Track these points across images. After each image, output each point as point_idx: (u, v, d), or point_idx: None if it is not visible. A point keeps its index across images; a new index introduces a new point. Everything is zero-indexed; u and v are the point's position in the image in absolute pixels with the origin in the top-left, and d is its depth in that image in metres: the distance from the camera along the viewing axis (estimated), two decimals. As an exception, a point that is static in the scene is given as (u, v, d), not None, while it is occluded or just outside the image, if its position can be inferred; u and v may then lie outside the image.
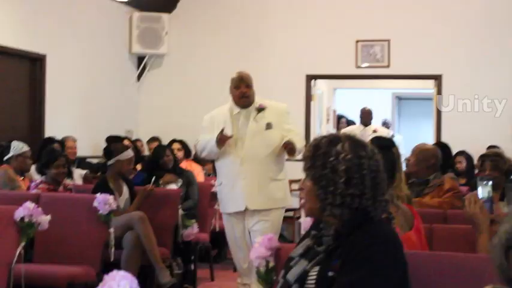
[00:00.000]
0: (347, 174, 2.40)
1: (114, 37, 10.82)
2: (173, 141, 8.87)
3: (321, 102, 12.53)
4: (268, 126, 5.61)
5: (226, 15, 11.21)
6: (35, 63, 9.04)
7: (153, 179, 6.70)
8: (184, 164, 8.44)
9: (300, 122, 10.78)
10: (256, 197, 5.54)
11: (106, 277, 1.96)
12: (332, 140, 2.47)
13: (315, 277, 2.40)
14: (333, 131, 12.92)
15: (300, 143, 5.56)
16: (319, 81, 11.62)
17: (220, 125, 5.56)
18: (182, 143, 8.88)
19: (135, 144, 8.67)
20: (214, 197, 7.19)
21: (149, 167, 7.65)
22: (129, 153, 6.53)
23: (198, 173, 8.50)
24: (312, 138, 11.05)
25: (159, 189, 6.82)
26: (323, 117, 13.02)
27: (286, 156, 5.70)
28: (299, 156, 5.45)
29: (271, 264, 2.98)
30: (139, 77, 11.43)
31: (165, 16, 11.19)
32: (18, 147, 6.91)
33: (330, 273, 2.35)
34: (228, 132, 5.50)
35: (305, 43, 10.90)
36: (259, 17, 11.08)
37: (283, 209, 5.74)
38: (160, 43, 11.19)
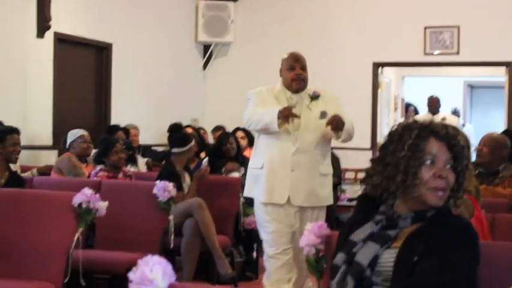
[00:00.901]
0: None
1: (180, 26, 10.86)
2: (237, 129, 8.84)
3: (388, 91, 12.31)
4: (323, 115, 4.95)
5: (292, 3, 11.10)
6: (101, 52, 9.14)
7: (204, 160, 6.55)
8: (248, 153, 8.37)
9: (367, 110, 10.64)
10: (302, 192, 4.95)
11: (140, 262, 1.92)
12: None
13: (391, 261, 2.34)
14: (400, 119, 12.71)
15: (350, 125, 4.87)
16: (386, 68, 11.42)
17: (273, 106, 4.92)
18: (246, 131, 8.83)
19: (198, 132, 8.66)
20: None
21: (212, 154, 7.63)
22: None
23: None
24: (378, 126, 10.87)
25: (220, 177, 6.80)
26: (391, 106, 12.80)
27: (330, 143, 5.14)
28: (350, 144, 5.16)
29: (321, 252, 2.90)
30: (205, 65, 11.45)
31: (230, 4, 11.16)
32: (73, 133, 7.01)
33: (415, 258, 2.31)
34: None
35: (372, 30, 10.71)
36: (326, 4, 10.94)
37: (325, 208, 5.15)
38: (226, 31, 11.18)
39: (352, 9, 10.82)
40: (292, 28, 11.03)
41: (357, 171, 10.53)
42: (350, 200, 9.64)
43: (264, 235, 5.08)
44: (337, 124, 4.77)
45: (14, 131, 5.80)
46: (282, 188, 4.96)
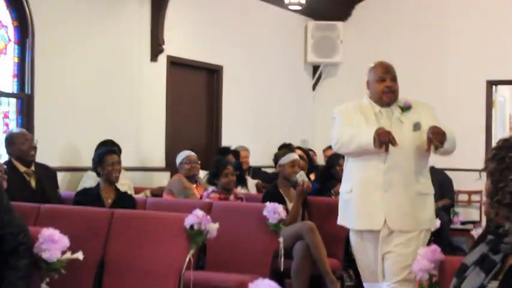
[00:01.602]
0: None
1: (289, 47, 10.91)
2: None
3: (503, 110, 11.96)
4: (416, 126, 4.49)
5: (400, 21, 10.97)
6: (212, 74, 9.29)
7: (300, 174, 6.28)
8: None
9: (481, 130, 10.35)
10: (400, 215, 4.46)
11: (250, 284, 1.92)
12: None
13: None
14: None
15: (450, 134, 4.33)
16: (501, 87, 11.09)
17: (360, 124, 4.52)
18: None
19: (307, 153, 8.64)
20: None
21: (322, 177, 7.60)
22: (291, 156, 6.48)
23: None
24: (493, 147, 10.55)
25: (330, 199, 6.75)
26: (506, 125, 12.43)
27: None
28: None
29: (435, 278, 2.82)
30: (314, 86, 11.45)
31: (340, 24, 11.13)
32: (181, 155, 7.21)
33: None
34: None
35: (486, 46, 10.43)
36: (436, 20, 10.74)
37: (428, 231, 4.64)
38: (336, 52, 11.15)
39: (464, 24, 10.57)
40: (401, 47, 10.89)
41: (470, 193, 10.27)
42: (463, 223, 9.40)
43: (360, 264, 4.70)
44: (438, 138, 4.23)
45: (112, 151, 6.01)
46: (376, 212, 4.48)
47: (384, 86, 4.54)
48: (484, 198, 2.36)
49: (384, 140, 4.24)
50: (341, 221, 4.76)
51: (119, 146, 6.99)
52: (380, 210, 4.47)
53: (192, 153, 7.30)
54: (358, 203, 4.55)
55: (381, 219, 4.47)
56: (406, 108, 4.56)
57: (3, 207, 3.87)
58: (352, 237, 4.69)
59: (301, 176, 6.19)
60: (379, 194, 4.47)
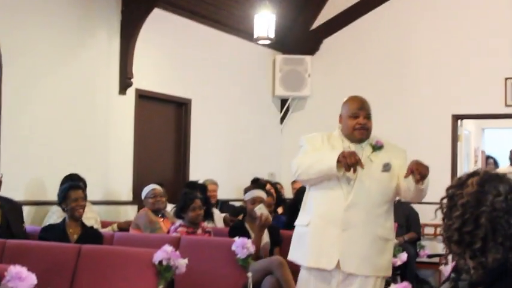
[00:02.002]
0: (463, 208, 2.22)
1: (257, 80, 10.95)
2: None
3: (468, 143, 12.10)
4: (386, 167, 4.27)
5: (368, 56, 11.08)
6: (180, 108, 9.28)
7: (258, 207, 6.07)
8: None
9: (446, 163, 10.45)
10: (355, 257, 4.18)
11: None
12: (470, 174, 2.31)
13: None
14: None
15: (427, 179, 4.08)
16: (466, 121, 11.24)
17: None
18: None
19: (275, 187, 8.64)
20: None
21: (290, 210, 7.58)
22: (252, 193, 6.48)
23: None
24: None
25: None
26: (471, 159, 12.57)
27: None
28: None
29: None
30: (282, 119, 11.48)
31: (308, 58, 11.21)
32: (146, 188, 7.19)
33: None
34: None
35: (450, 82, 10.57)
36: (402, 57, 10.87)
37: (383, 280, 4.36)
38: (303, 85, 11.22)
39: (429, 60, 10.72)
40: (369, 81, 10.98)
41: (436, 226, 10.32)
42: (430, 256, 9.44)
43: None
44: (421, 170, 3.97)
45: (76, 186, 5.96)
46: (330, 250, 4.18)
47: (356, 123, 4.34)
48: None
49: (350, 162, 4.00)
50: (292, 256, 4.51)
51: (84, 180, 6.94)
52: (335, 249, 4.18)
53: (157, 187, 7.27)
54: (313, 239, 4.26)
55: (334, 259, 4.18)
56: (377, 147, 4.37)
57: None
58: (301, 275, 4.41)
59: (259, 209, 6.10)
60: (337, 231, 4.18)
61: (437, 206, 2.37)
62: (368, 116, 4.39)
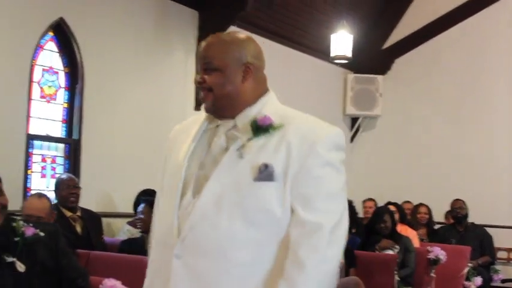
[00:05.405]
0: None
1: (329, 98, 10.94)
2: (388, 203, 8.68)
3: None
4: (264, 173, 2.24)
5: (440, 77, 10.96)
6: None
7: None
8: (399, 228, 8.21)
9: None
10: None
11: None
12: None
13: None
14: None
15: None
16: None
17: (176, 150, 2.52)
18: (398, 206, 8.66)
19: (351, 206, 8.57)
20: (430, 263, 6.97)
21: (365, 231, 7.53)
22: None
23: (413, 238, 8.23)
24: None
25: (375, 254, 6.69)
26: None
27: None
28: None
29: None
30: (352, 138, 11.44)
31: (379, 78, 11.16)
32: None
33: None
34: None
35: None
36: (477, 74, 10.71)
37: None
38: (375, 105, 11.17)
39: (505, 82, 10.53)
40: (441, 101, 10.88)
41: (510, 250, 10.13)
42: (504, 281, 9.26)
43: None
44: None
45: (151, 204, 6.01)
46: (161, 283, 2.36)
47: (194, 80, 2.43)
48: None
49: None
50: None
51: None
52: (166, 281, 2.37)
53: None
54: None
55: None
56: (259, 127, 2.33)
57: (60, 251, 3.87)
58: None
59: None
60: (167, 257, 2.33)
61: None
62: (210, 67, 2.36)
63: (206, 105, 2.39)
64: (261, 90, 2.46)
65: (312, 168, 2.26)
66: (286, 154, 2.26)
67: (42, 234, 3.59)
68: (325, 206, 2.24)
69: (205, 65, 2.36)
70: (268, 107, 2.42)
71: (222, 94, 2.35)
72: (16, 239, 3.46)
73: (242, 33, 2.45)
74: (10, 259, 3.40)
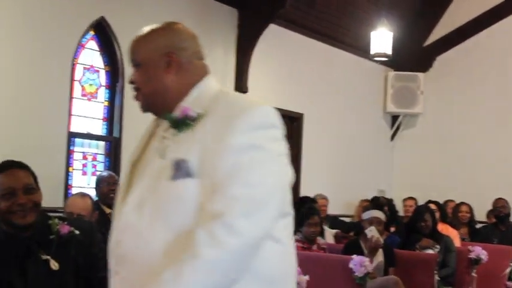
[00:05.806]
0: None
1: (369, 96, 10.88)
2: (429, 202, 8.60)
3: None
4: (180, 170, 2.04)
5: (482, 74, 10.82)
6: (293, 122, 9.30)
7: (369, 229, 6.16)
8: (440, 227, 8.12)
9: None
10: None
11: None
12: None
13: None
14: None
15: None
16: None
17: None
18: (438, 204, 8.57)
19: (390, 204, 8.53)
20: (471, 263, 6.89)
21: (407, 230, 7.45)
22: (371, 213, 6.46)
23: (454, 238, 8.14)
24: None
25: (415, 253, 6.64)
26: None
27: None
28: None
29: None
30: (392, 136, 11.36)
31: (420, 75, 11.07)
32: None
33: None
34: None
35: None
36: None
37: None
38: (416, 102, 11.07)
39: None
40: (484, 98, 10.73)
41: None
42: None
43: None
44: None
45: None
46: None
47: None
48: None
49: None
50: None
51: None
52: None
53: None
54: None
55: None
56: (178, 121, 2.12)
57: (95, 250, 3.86)
58: None
59: (370, 232, 6.18)
60: None
61: None
62: (134, 64, 2.26)
63: (140, 106, 2.22)
64: (195, 79, 2.21)
65: (227, 155, 1.99)
66: (203, 145, 2.02)
67: (77, 232, 3.61)
68: (236, 192, 1.95)
69: (131, 63, 2.24)
70: (201, 95, 2.15)
71: (148, 92, 2.17)
72: (51, 236, 3.49)
73: (166, 22, 2.24)
74: (45, 257, 3.42)
